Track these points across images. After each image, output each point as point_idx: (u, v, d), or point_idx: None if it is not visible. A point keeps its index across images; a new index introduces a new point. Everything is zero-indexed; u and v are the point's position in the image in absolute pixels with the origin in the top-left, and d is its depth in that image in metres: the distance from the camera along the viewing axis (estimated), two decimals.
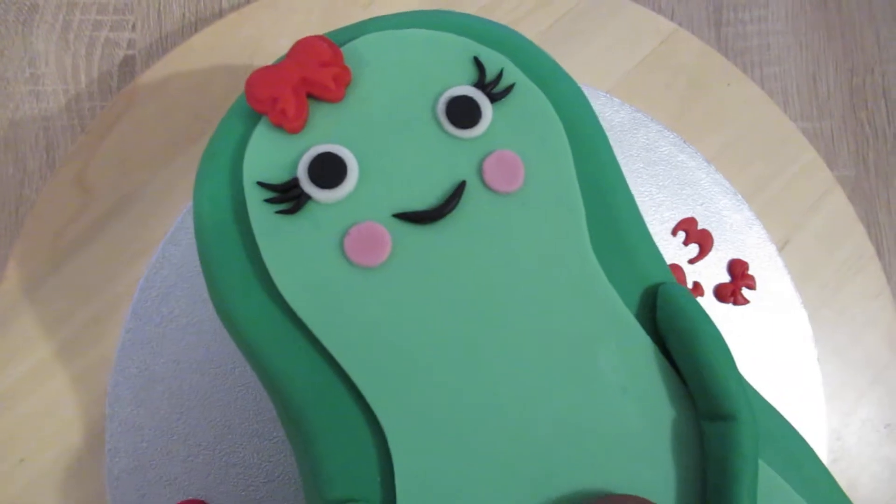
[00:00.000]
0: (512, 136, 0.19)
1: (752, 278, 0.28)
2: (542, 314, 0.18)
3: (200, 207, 0.18)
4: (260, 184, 0.18)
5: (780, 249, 0.30)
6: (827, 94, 0.37)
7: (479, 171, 0.18)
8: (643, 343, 0.18)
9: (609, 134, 0.29)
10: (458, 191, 0.18)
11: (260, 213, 0.18)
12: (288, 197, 0.18)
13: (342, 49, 0.19)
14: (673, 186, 0.29)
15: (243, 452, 0.24)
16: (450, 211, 0.18)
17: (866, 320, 0.31)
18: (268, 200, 0.18)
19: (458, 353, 0.18)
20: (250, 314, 0.18)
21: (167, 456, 0.24)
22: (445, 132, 0.18)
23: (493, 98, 0.19)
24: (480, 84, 0.19)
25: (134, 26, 0.31)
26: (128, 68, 0.31)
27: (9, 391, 0.24)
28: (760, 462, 0.18)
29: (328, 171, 0.18)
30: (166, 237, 0.25)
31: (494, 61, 0.19)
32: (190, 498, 0.24)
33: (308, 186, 0.18)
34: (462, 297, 0.18)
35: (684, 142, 0.29)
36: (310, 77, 0.18)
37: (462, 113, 0.18)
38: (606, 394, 0.18)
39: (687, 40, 0.32)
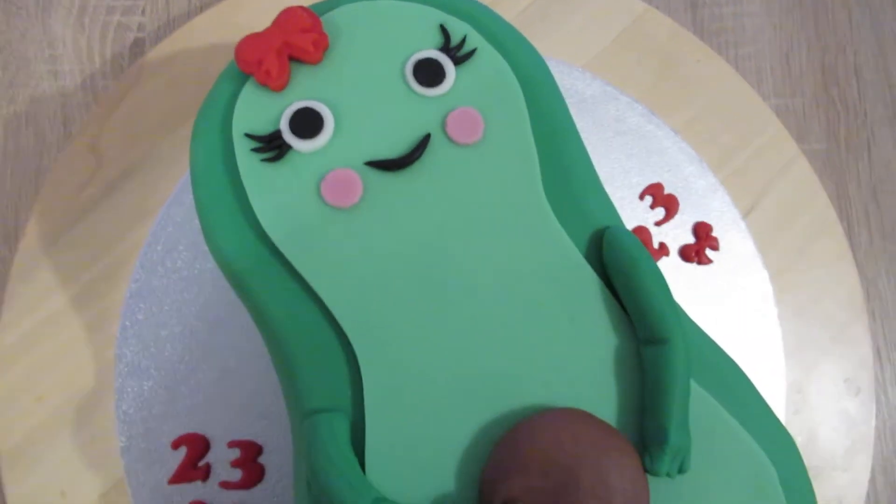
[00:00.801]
0: (473, 94, 0.21)
1: (715, 240, 0.30)
2: (498, 253, 0.20)
3: (195, 158, 0.20)
4: (247, 135, 0.20)
5: (746, 216, 0.32)
6: (800, 72, 0.39)
7: (443, 125, 0.21)
8: (590, 279, 0.20)
9: (581, 106, 0.31)
10: (424, 142, 0.20)
11: (247, 161, 0.20)
12: (271, 147, 0.20)
13: (321, 18, 0.21)
14: (641, 154, 0.30)
15: (240, 391, 0.26)
16: (415, 160, 0.20)
17: (828, 282, 0.32)
18: (254, 150, 0.20)
19: (423, 285, 0.20)
20: (239, 251, 0.20)
21: (170, 394, 0.26)
22: (413, 91, 0.21)
23: (457, 61, 0.21)
24: (445, 48, 0.21)
25: (143, 11, 0.33)
26: (138, 49, 0.33)
27: (29, 335, 0.27)
28: (694, 384, 0.20)
29: (307, 123, 0.20)
30: (170, 198, 0.28)
31: (459, 29, 0.21)
32: (190, 432, 0.26)
33: (289, 137, 0.20)
34: (426, 236, 0.20)
35: (653, 113, 0.31)
36: (291, 41, 0.20)
37: (428, 73, 0.21)
38: (555, 323, 0.20)
39: (659, 20, 0.33)
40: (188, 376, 0.26)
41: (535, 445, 0.18)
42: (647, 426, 0.19)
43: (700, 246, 0.30)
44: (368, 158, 0.20)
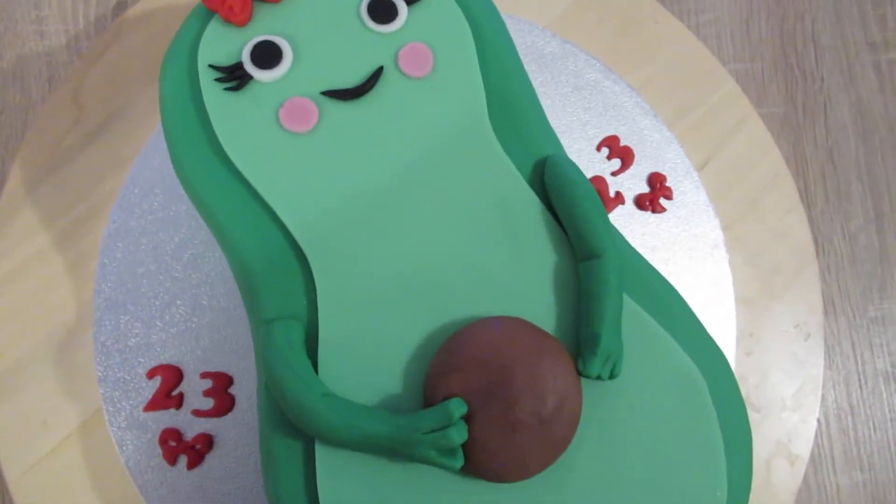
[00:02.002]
0: (424, 32, 0.22)
1: (669, 190, 0.32)
2: (445, 177, 0.22)
3: (164, 89, 0.22)
4: (211, 66, 0.21)
5: (700, 169, 0.33)
6: (759, 38, 0.40)
7: (395, 59, 0.22)
8: (532, 202, 0.22)
9: (541, 62, 0.32)
10: (377, 74, 0.22)
11: (211, 90, 0.21)
12: (234, 76, 0.21)
13: None
14: (598, 108, 0.32)
15: (212, 326, 0.28)
16: (368, 90, 0.22)
17: (779, 233, 0.34)
18: (217, 80, 0.21)
19: (374, 205, 0.21)
20: (204, 175, 0.21)
21: (145, 328, 0.28)
22: (367, 27, 0.22)
23: (409, 1, 0.22)
24: None
25: None
26: (120, 11, 0.35)
27: (12, 273, 0.28)
28: (629, 299, 0.22)
29: (267, 55, 0.21)
30: (147, 145, 0.29)
31: None
32: (164, 363, 0.27)
33: (250, 68, 0.21)
34: (378, 160, 0.22)
35: (610, 70, 0.33)
36: None
37: (381, 11, 0.22)
38: (499, 241, 0.22)
39: None
40: (163, 311, 0.28)
41: (475, 347, 0.20)
42: (582, 334, 0.21)
43: (654, 195, 0.31)
44: (324, 88, 0.22)
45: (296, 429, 0.20)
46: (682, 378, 0.21)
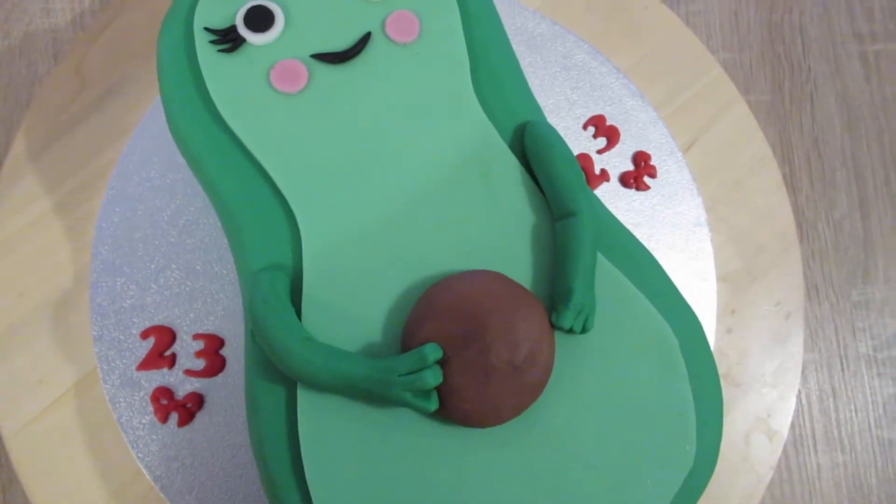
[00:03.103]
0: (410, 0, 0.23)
1: (653, 168, 0.32)
2: (429, 139, 0.23)
3: (161, 51, 0.23)
4: (206, 29, 0.22)
5: (685, 151, 0.34)
6: (747, 29, 0.41)
7: (383, 26, 0.23)
8: (512, 164, 0.23)
9: (531, 43, 0.33)
10: (364, 39, 0.23)
11: (206, 52, 0.22)
12: (227, 39, 0.22)
13: None
14: (585, 88, 0.33)
15: (204, 290, 0.29)
16: (356, 54, 0.23)
17: (762, 214, 0.35)
18: (212, 42, 0.22)
19: (359, 163, 0.22)
20: (198, 132, 0.22)
21: (140, 290, 0.28)
22: None
23: None
24: None
25: None
26: None
27: (13, 237, 0.29)
28: (603, 258, 0.22)
29: (259, 19, 0.22)
30: (146, 116, 0.30)
31: None
32: (158, 324, 0.28)
33: (243, 31, 0.22)
34: (363, 121, 0.22)
35: (598, 52, 0.33)
36: None
37: None
38: (479, 201, 0.22)
39: None
40: (157, 275, 0.29)
41: (452, 297, 0.20)
42: (556, 288, 0.21)
43: (638, 173, 0.32)
44: (314, 51, 0.22)
45: (279, 376, 0.21)
46: (654, 335, 0.22)
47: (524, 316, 0.20)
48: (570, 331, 0.21)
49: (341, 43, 0.23)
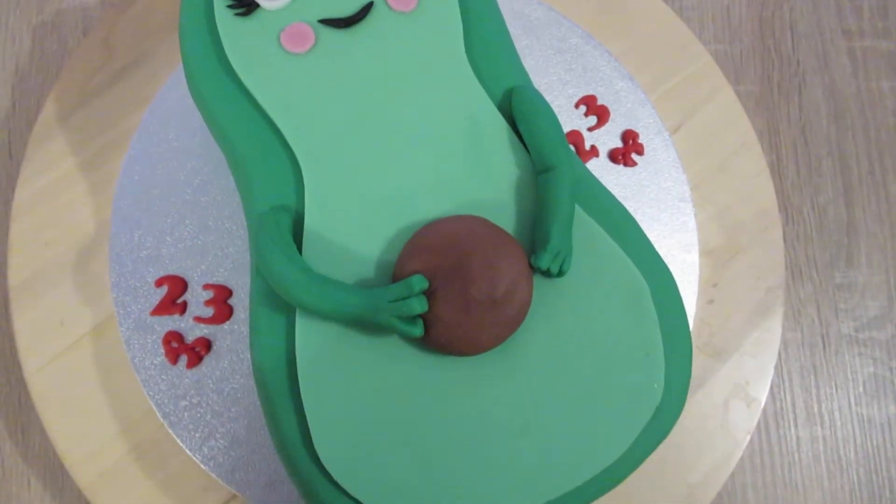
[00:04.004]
0: None
1: (641, 146, 0.34)
2: (424, 99, 0.25)
3: (183, 16, 0.25)
4: None
5: (673, 133, 0.36)
6: (739, 23, 0.43)
7: None
8: (500, 124, 0.25)
9: (527, 27, 0.35)
10: (367, 7, 0.25)
11: (223, 15, 0.25)
12: (242, 4, 0.25)
13: None
14: (578, 70, 0.35)
15: (216, 244, 0.31)
16: (359, 20, 0.25)
17: (745, 194, 0.36)
18: (229, 6, 0.25)
19: (359, 118, 0.24)
20: (214, 89, 0.25)
21: (156, 242, 0.31)
22: None
23: None
24: None
25: None
26: None
27: (41, 192, 0.32)
28: (582, 211, 0.24)
29: None
30: (167, 84, 0.32)
31: None
32: (171, 274, 0.30)
33: None
34: (364, 80, 0.25)
35: (591, 37, 0.35)
36: None
37: None
38: (468, 156, 0.24)
39: None
40: (173, 229, 0.31)
41: (438, 235, 0.22)
42: (535, 234, 0.23)
43: (626, 150, 0.34)
44: (321, 17, 0.25)
45: (280, 306, 0.23)
46: (627, 282, 0.24)
47: (505, 254, 0.22)
48: (548, 273, 0.23)
49: (346, 10, 0.25)
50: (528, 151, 0.25)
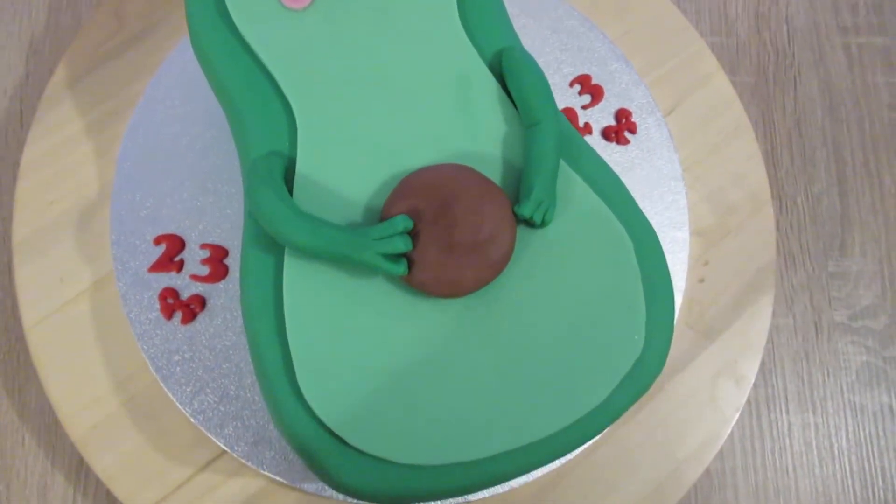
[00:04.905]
0: None
1: (634, 125, 0.35)
2: (417, 56, 0.26)
3: None
4: None
5: (666, 115, 0.37)
6: (735, 16, 0.44)
7: None
8: (490, 82, 0.26)
9: (525, 7, 0.36)
10: None
11: None
12: None
13: None
14: (573, 50, 0.36)
15: (213, 206, 0.31)
16: None
17: (737, 176, 0.37)
18: None
19: (353, 71, 0.25)
20: (215, 43, 0.25)
21: (156, 202, 0.31)
22: None
23: None
24: None
25: None
26: None
27: (48, 152, 0.33)
28: (569, 168, 0.25)
29: None
30: (172, 54, 0.33)
31: None
32: (170, 233, 0.31)
33: None
34: (358, 38, 0.25)
35: (587, 19, 0.36)
36: None
37: None
38: (459, 111, 0.25)
39: None
40: (173, 190, 0.32)
41: (425, 180, 0.23)
42: (520, 185, 0.24)
43: (619, 128, 0.35)
44: None
45: (270, 248, 0.23)
46: (610, 236, 0.25)
47: (489, 201, 0.23)
48: (531, 222, 0.24)
49: None
50: (517, 109, 0.25)
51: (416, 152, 0.25)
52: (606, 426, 0.24)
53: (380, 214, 0.24)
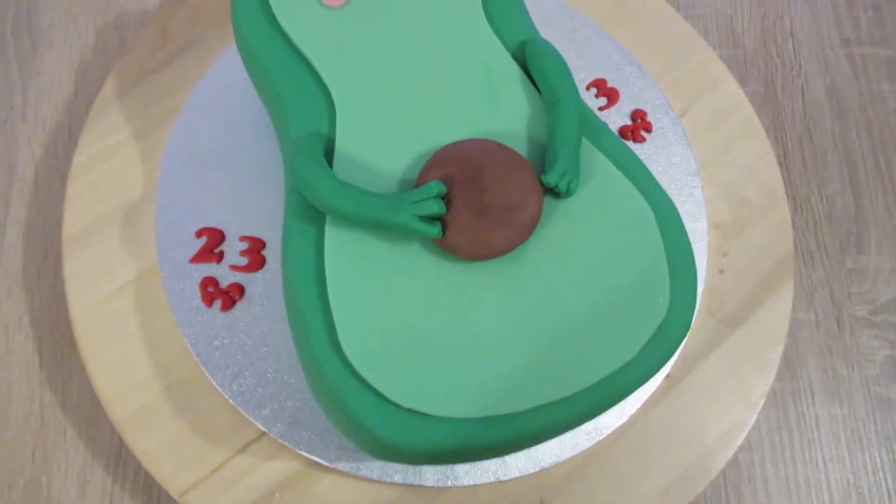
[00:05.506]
0: None
1: (649, 124, 0.37)
2: (446, 47, 0.28)
3: None
4: None
5: (680, 117, 0.38)
6: (742, 30, 0.46)
7: None
8: (514, 69, 0.27)
9: (541, 19, 0.38)
10: None
11: None
12: None
13: None
14: (589, 57, 0.38)
15: (252, 199, 0.33)
16: None
17: (751, 173, 0.38)
18: None
19: (386, 62, 0.27)
20: (259, 38, 0.28)
21: (197, 198, 0.33)
22: None
23: None
24: None
25: None
26: None
27: (98, 155, 0.35)
28: (590, 145, 0.26)
29: None
30: (213, 66, 0.36)
31: None
32: (210, 226, 0.33)
33: None
34: (392, 33, 0.28)
35: (601, 29, 0.38)
36: None
37: None
38: (487, 95, 0.27)
39: None
40: (213, 187, 0.33)
41: (456, 151, 0.25)
42: (546, 158, 0.25)
43: (636, 127, 0.36)
44: None
45: (311, 218, 0.25)
46: (632, 206, 0.26)
47: (518, 169, 0.24)
48: (556, 191, 0.25)
49: None
50: (539, 93, 0.27)
51: (447, 131, 0.26)
52: (637, 385, 0.24)
53: (414, 184, 0.25)
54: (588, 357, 0.24)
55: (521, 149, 0.26)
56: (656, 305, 0.25)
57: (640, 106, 0.37)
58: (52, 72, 0.40)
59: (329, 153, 0.26)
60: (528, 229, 0.24)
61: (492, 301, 0.24)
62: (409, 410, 0.23)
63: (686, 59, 0.40)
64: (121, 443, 0.34)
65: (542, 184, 0.25)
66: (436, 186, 0.23)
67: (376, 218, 0.24)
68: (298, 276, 0.25)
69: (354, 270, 0.24)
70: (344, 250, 0.24)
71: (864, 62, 0.46)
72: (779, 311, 0.35)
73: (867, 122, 0.44)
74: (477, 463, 0.30)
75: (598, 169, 0.26)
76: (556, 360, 0.24)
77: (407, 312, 0.24)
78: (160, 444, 0.30)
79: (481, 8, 0.28)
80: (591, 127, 0.27)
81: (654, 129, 0.37)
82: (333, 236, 0.24)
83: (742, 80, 0.44)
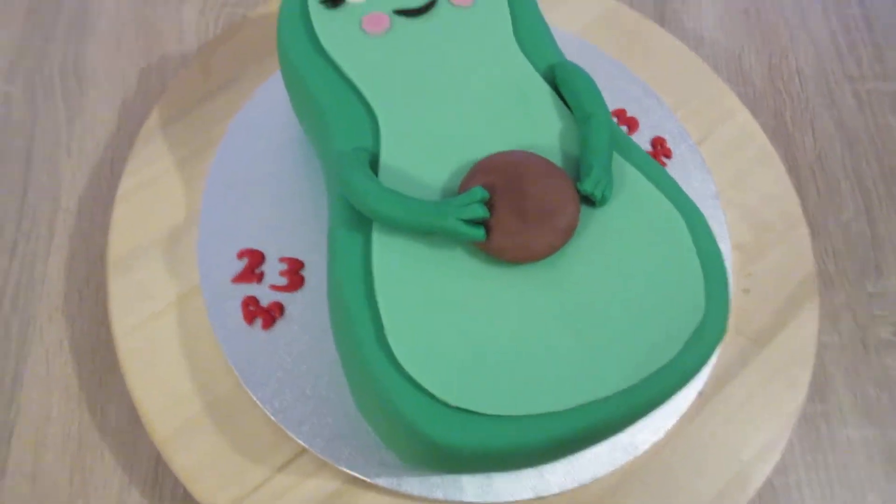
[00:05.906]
0: None
1: (669, 150, 0.38)
2: (481, 70, 0.29)
3: (283, 10, 0.31)
4: None
5: (698, 145, 0.40)
6: (749, 68, 0.48)
7: None
8: (545, 89, 0.29)
9: (566, 53, 0.40)
10: (432, 2, 0.30)
11: (315, 7, 0.30)
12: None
13: None
14: (610, 89, 0.40)
15: (290, 221, 0.34)
16: (425, 11, 0.30)
17: (770, 197, 0.39)
18: (321, 1, 0.30)
19: (426, 85, 0.29)
20: (304, 63, 0.30)
21: (239, 221, 0.34)
22: None
23: None
24: None
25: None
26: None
27: (143, 183, 0.36)
28: (621, 158, 0.28)
29: None
30: (252, 99, 0.38)
31: None
32: (251, 247, 0.34)
33: None
34: (430, 56, 0.29)
35: (620, 63, 0.41)
36: None
37: None
38: (520, 113, 0.28)
39: (628, 11, 0.44)
40: (254, 211, 0.35)
41: (497, 161, 0.26)
42: (580, 168, 0.27)
43: (656, 153, 0.38)
44: (395, 8, 0.30)
45: (357, 226, 0.26)
46: (663, 215, 0.27)
47: (554, 176, 0.26)
48: (591, 199, 0.26)
49: (416, 3, 0.30)
50: (570, 111, 0.29)
51: (485, 144, 0.28)
52: (679, 387, 0.25)
53: (456, 193, 0.26)
54: (628, 356, 0.24)
55: (556, 161, 0.28)
56: (693, 307, 0.26)
57: (660, 134, 0.39)
58: (95, 110, 0.42)
59: (373, 167, 0.27)
60: (567, 233, 0.25)
61: (533, 302, 0.25)
62: (457, 409, 0.23)
63: (701, 92, 0.42)
64: (157, 466, 0.34)
65: (578, 191, 0.26)
66: (479, 192, 0.25)
67: (423, 222, 0.25)
68: (346, 280, 0.25)
69: (401, 273, 0.25)
70: (390, 254, 0.25)
71: (869, 97, 0.47)
72: (807, 329, 0.36)
73: (876, 151, 0.46)
74: (516, 478, 0.31)
75: (629, 179, 0.27)
76: (598, 359, 0.24)
77: (453, 313, 0.25)
78: (200, 461, 0.31)
79: (512, 34, 0.30)
80: (620, 141, 0.28)
81: (673, 155, 0.38)
82: (380, 242, 0.26)
83: (753, 114, 0.46)
